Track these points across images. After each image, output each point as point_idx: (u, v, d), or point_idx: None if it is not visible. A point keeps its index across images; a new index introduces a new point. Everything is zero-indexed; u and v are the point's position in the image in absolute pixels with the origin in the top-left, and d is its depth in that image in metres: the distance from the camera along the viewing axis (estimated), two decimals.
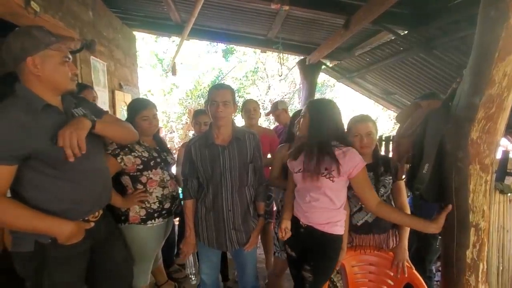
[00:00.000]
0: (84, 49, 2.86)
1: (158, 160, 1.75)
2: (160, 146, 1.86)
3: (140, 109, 1.73)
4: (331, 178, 1.41)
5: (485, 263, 1.29)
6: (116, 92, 3.61)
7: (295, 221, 1.58)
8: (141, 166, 1.67)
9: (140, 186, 1.69)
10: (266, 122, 9.85)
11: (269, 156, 2.49)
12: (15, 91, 1.10)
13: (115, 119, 1.55)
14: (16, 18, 2.14)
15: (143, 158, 1.68)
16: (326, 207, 1.47)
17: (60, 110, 1.18)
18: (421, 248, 2.06)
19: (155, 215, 1.73)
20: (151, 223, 1.72)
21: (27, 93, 1.09)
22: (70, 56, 1.16)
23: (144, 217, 1.69)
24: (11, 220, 1.09)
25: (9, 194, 1.13)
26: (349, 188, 1.61)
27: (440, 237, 1.97)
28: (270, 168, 2.01)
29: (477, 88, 1.16)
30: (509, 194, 2.25)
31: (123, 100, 3.73)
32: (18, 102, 1.08)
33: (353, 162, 1.39)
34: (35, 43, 1.05)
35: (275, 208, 2.30)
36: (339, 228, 1.49)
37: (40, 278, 1.18)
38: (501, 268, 2.24)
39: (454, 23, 2.36)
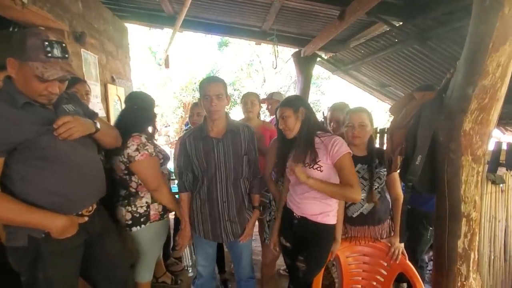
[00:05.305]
0: (74, 41, 2.81)
1: None
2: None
3: None
4: (319, 168, 1.44)
5: (476, 252, 1.31)
6: (109, 85, 3.54)
7: (289, 213, 1.59)
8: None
9: (134, 179, 1.66)
10: (262, 115, 9.77)
11: None
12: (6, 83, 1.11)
13: (106, 124, 1.55)
14: (3, 10, 2.07)
15: None
16: (318, 198, 1.49)
17: (47, 107, 1.16)
18: (412, 238, 2.09)
19: (166, 208, 1.74)
20: (166, 216, 1.74)
21: (10, 89, 1.10)
22: (54, 79, 1.09)
23: (162, 212, 1.70)
24: (1, 214, 1.08)
25: None
26: None
27: (431, 228, 2.00)
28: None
29: (471, 79, 1.16)
30: (501, 185, 2.29)
31: (115, 94, 3.67)
32: (4, 95, 1.08)
33: (334, 148, 1.42)
34: (20, 51, 1.05)
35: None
36: (331, 218, 1.52)
37: (35, 272, 1.17)
38: (492, 257, 2.28)
39: (449, 14, 2.35)
